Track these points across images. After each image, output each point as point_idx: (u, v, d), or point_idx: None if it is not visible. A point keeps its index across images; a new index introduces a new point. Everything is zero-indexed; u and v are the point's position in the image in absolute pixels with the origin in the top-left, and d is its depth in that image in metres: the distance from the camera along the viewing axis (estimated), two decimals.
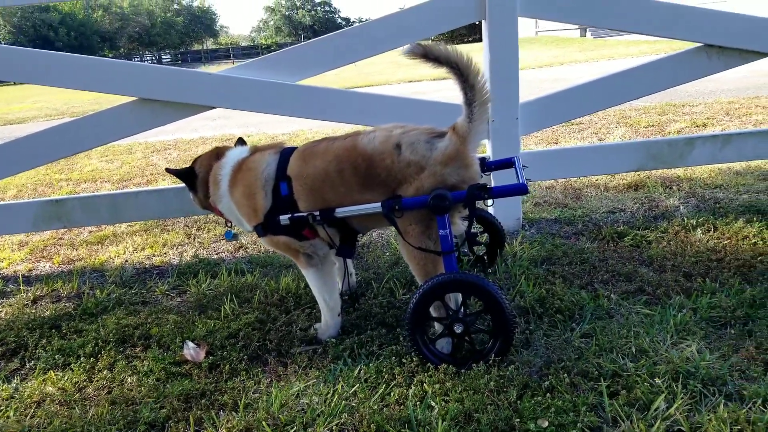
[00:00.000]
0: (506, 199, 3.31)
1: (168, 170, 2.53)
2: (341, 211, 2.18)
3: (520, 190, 2.13)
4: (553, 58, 18.09)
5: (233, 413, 1.94)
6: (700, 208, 3.46)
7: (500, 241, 2.83)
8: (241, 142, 2.59)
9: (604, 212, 3.54)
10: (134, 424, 1.95)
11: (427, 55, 2.06)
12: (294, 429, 1.83)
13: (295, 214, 2.22)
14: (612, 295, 2.51)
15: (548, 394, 1.85)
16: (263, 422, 1.84)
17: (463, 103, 2.07)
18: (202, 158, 2.53)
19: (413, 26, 3.08)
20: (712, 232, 3.04)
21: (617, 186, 4.00)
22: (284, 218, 2.23)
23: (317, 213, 2.19)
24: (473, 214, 2.12)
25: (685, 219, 3.22)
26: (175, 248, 3.67)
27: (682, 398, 1.81)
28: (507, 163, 2.49)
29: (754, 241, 2.89)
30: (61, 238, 4.08)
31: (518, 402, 1.84)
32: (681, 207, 3.49)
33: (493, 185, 2.20)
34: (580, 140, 5.51)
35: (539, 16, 3.13)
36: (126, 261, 3.52)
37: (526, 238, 3.21)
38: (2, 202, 3.42)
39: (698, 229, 3.08)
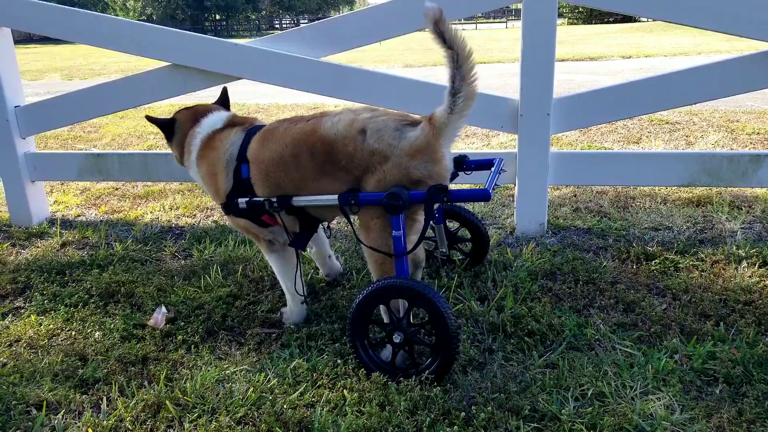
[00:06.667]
0: (530, 200, 3.05)
1: (148, 117, 2.41)
2: (299, 200, 2.09)
3: (481, 196, 1.94)
4: (693, 47, 16.37)
5: (155, 385, 1.97)
6: (762, 237, 2.96)
7: (480, 244, 2.62)
8: (224, 97, 2.51)
9: (645, 228, 3.14)
10: (70, 379, 2.03)
11: (438, 25, 1.85)
12: (197, 413, 1.82)
13: (252, 199, 2.17)
14: (601, 325, 2.22)
15: (455, 427, 1.67)
16: (168, 401, 1.84)
17: (447, 92, 1.89)
18: (184, 116, 2.41)
19: (448, 5, 2.87)
20: (758, 267, 2.59)
21: (677, 200, 3.53)
22: (242, 202, 2.18)
23: (274, 200, 2.12)
24: (430, 216, 1.95)
25: (735, 248, 2.77)
26: (204, 211, 3.79)
27: None
28: (489, 164, 2.28)
29: None
30: (117, 189, 4.37)
31: (428, 429, 1.69)
32: (739, 233, 3.00)
33: (487, 185, 2.00)
34: (667, 142, 4.94)
35: (583, 1, 2.78)
36: (156, 218, 3.69)
37: (541, 246, 2.93)
38: (52, 152, 3.69)
39: (744, 262, 2.63)
